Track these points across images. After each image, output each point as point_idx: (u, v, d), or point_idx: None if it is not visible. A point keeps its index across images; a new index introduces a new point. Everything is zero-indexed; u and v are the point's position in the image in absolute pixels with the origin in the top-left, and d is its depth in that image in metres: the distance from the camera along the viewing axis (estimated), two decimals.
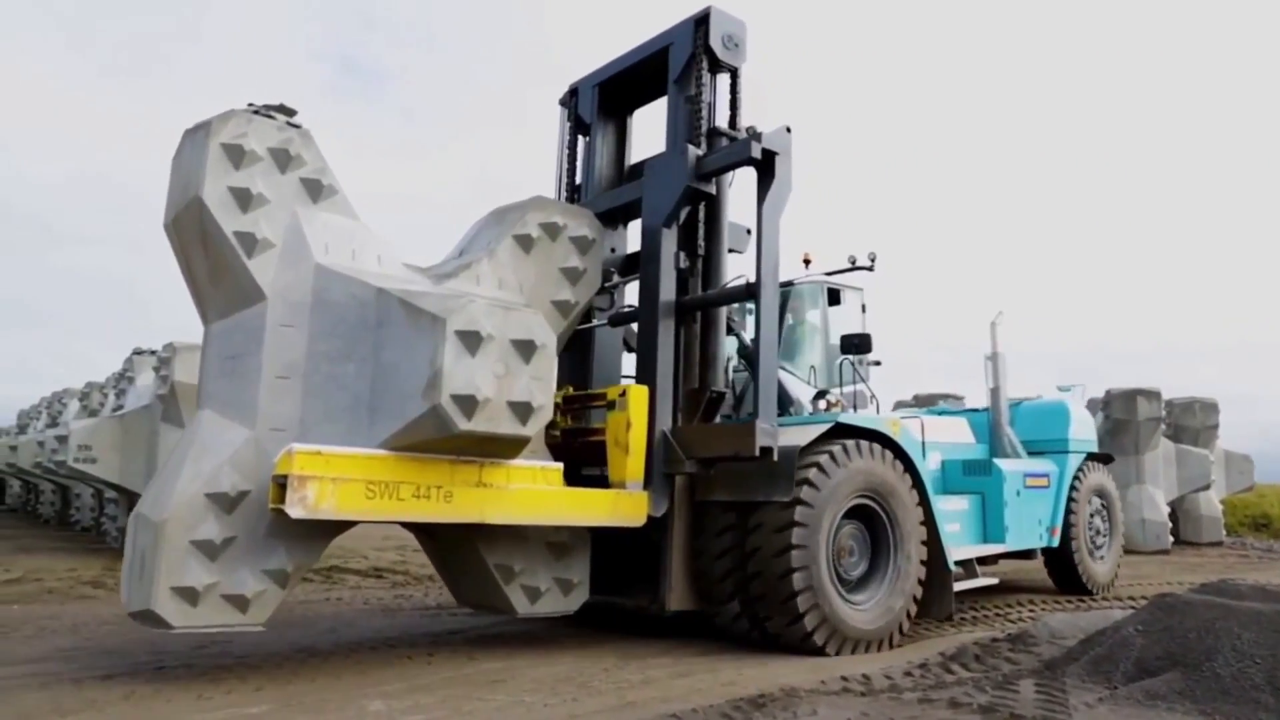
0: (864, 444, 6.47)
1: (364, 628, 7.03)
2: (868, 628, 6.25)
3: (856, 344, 7.44)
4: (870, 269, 8.77)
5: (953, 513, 8.32)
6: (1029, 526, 8.93)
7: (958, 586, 7.27)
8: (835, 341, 8.28)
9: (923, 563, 6.80)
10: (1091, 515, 9.81)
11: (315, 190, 5.46)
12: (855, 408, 8.05)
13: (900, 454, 6.80)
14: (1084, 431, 9.96)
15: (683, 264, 6.51)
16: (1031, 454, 9.75)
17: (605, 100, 7.68)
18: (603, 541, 6.37)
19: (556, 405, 6.55)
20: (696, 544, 6.34)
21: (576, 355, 7.12)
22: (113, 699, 4.57)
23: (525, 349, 5.08)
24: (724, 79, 6.85)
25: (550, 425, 6.57)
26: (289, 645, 6.14)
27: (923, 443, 8.14)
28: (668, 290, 6.38)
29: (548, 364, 5.20)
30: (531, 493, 5.53)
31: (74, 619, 7.22)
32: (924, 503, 6.93)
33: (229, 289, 5.24)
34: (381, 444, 4.98)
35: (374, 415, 5.07)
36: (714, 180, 6.57)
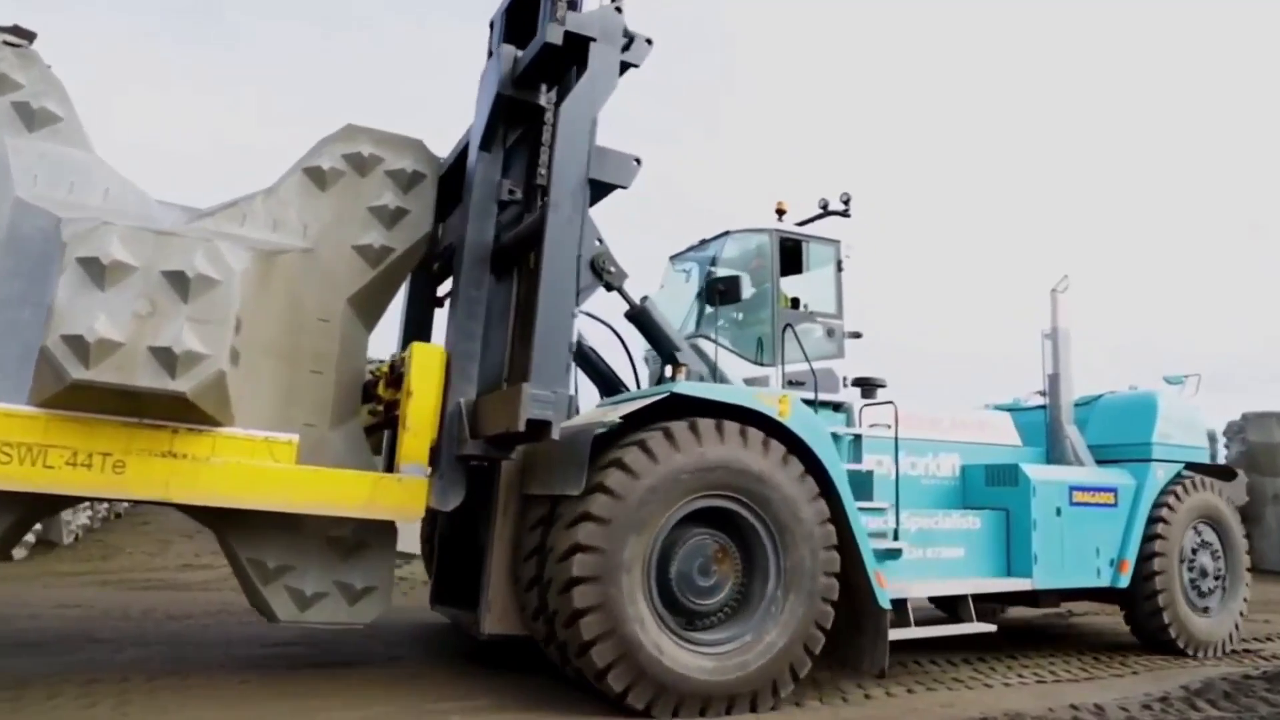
0: (722, 426, 4.81)
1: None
2: (714, 679, 4.58)
3: (722, 290, 5.67)
4: (845, 214, 6.93)
5: (951, 533, 6.28)
6: (1078, 557, 6.60)
7: (903, 635, 5.29)
8: (802, 307, 6.55)
9: (827, 601, 4.97)
10: (1193, 550, 7.16)
11: (29, 117, 4.79)
12: (818, 391, 6.26)
13: (798, 446, 5.02)
14: (1180, 434, 7.32)
15: (505, 195, 5.23)
16: (1104, 462, 7.30)
17: (510, 26, 6.54)
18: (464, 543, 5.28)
19: (376, 373, 5.49)
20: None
21: None
22: None
23: (181, 284, 4.07)
24: None
25: (371, 398, 5.53)
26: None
27: (895, 439, 6.18)
28: (478, 229, 5.14)
29: (219, 305, 4.15)
30: (246, 469, 4.48)
31: None
32: (842, 515, 5.09)
33: None
34: (30, 400, 4.16)
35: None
36: (543, 88, 5.23)
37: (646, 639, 4.42)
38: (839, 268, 6.70)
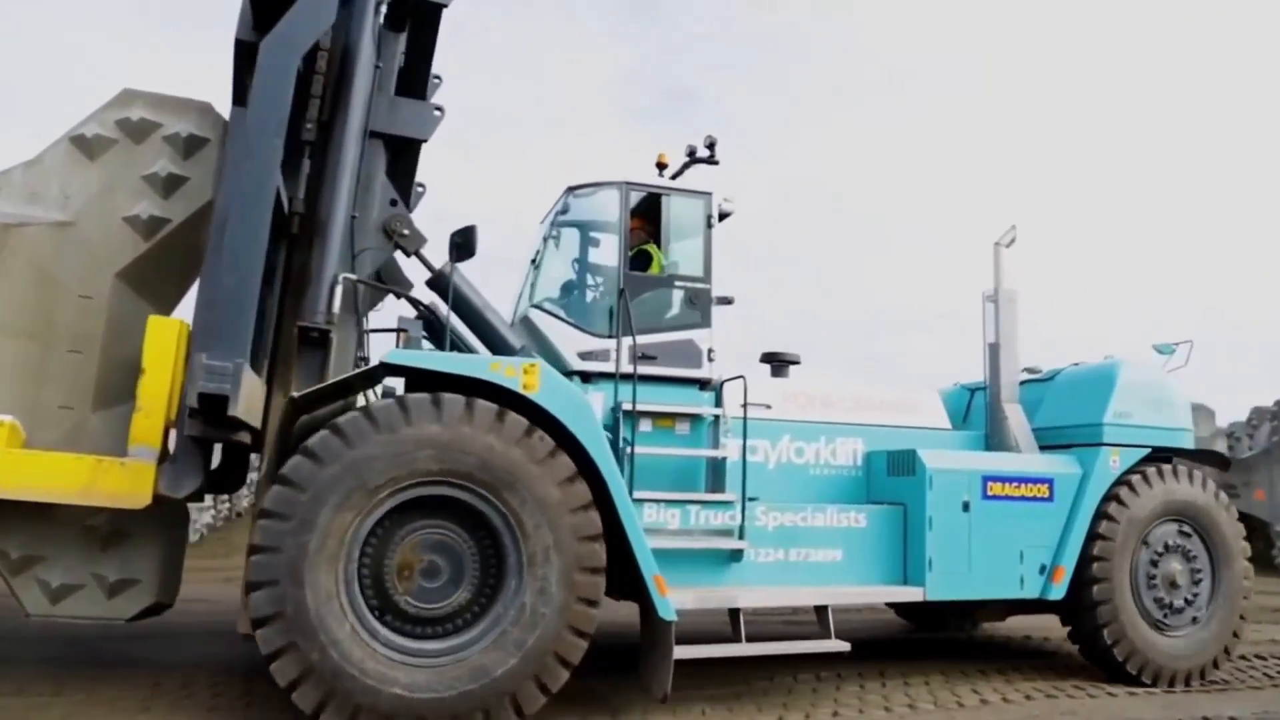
0: (440, 401, 4.12)
1: None
2: (429, 695, 3.93)
3: (458, 244, 4.89)
4: (711, 160, 6.06)
5: (825, 532, 5.36)
6: (993, 563, 5.49)
7: (691, 653, 4.46)
8: (663, 269, 5.76)
9: (586, 601, 4.20)
10: (1156, 555, 5.85)
11: None
12: (715, 365, 5.50)
13: (551, 424, 4.31)
14: (1146, 412, 5.99)
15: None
16: (1051, 448, 6.11)
17: None
18: None
19: None
20: None
21: None
22: None
23: None
24: None
25: None
26: None
27: (744, 419, 5.30)
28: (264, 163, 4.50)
29: None
30: None
31: None
32: (616, 508, 4.33)
33: None
34: None
35: None
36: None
37: (340, 652, 3.82)
38: (709, 224, 5.83)
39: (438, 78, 6.85)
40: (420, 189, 6.73)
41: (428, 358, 4.30)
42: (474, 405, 4.12)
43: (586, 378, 5.41)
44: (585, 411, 4.36)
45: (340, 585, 3.93)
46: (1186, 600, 5.89)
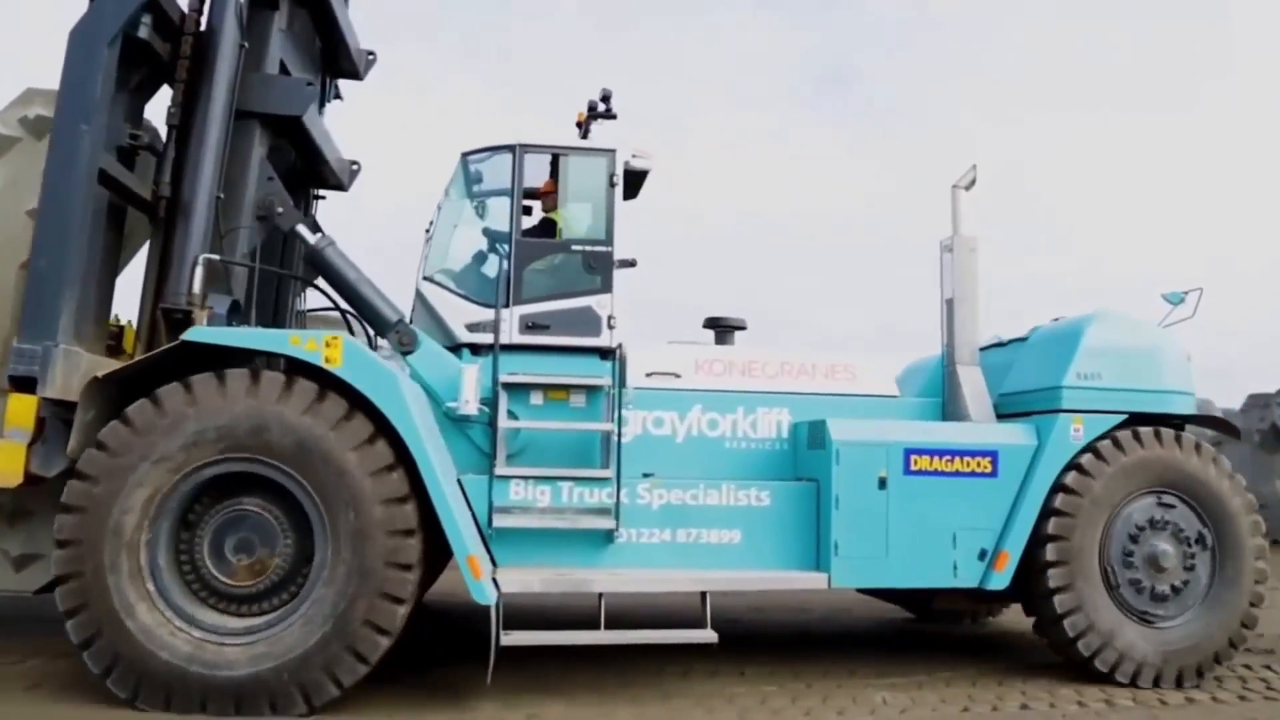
0: (260, 376, 4.05)
1: None
2: (217, 673, 3.89)
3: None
4: (608, 115, 5.66)
5: (721, 511, 4.93)
6: (918, 548, 4.84)
7: (519, 640, 4.15)
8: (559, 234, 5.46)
9: (390, 598, 4.02)
10: (1136, 531, 4.94)
11: None
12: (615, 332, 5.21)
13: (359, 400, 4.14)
14: (1120, 373, 5.06)
15: (126, 140, 4.80)
16: (1012, 416, 5.32)
17: None
18: None
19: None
20: None
21: None
22: None
23: None
24: None
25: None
26: None
27: (616, 387, 4.89)
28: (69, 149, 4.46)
29: None
30: None
31: None
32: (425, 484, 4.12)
33: None
34: None
35: None
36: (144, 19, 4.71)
37: (132, 619, 3.86)
38: (611, 183, 5.44)
39: (371, 54, 6.84)
40: (356, 167, 6.76)
41: (228, 334, 4.24)
42: (260, 378, 4.04)
43: (476, 350, 5.21)
44: (390, 383, 4.15)
45: (140, 553, 3.96)
46: (1176, 586, 4.97)
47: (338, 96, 6.85)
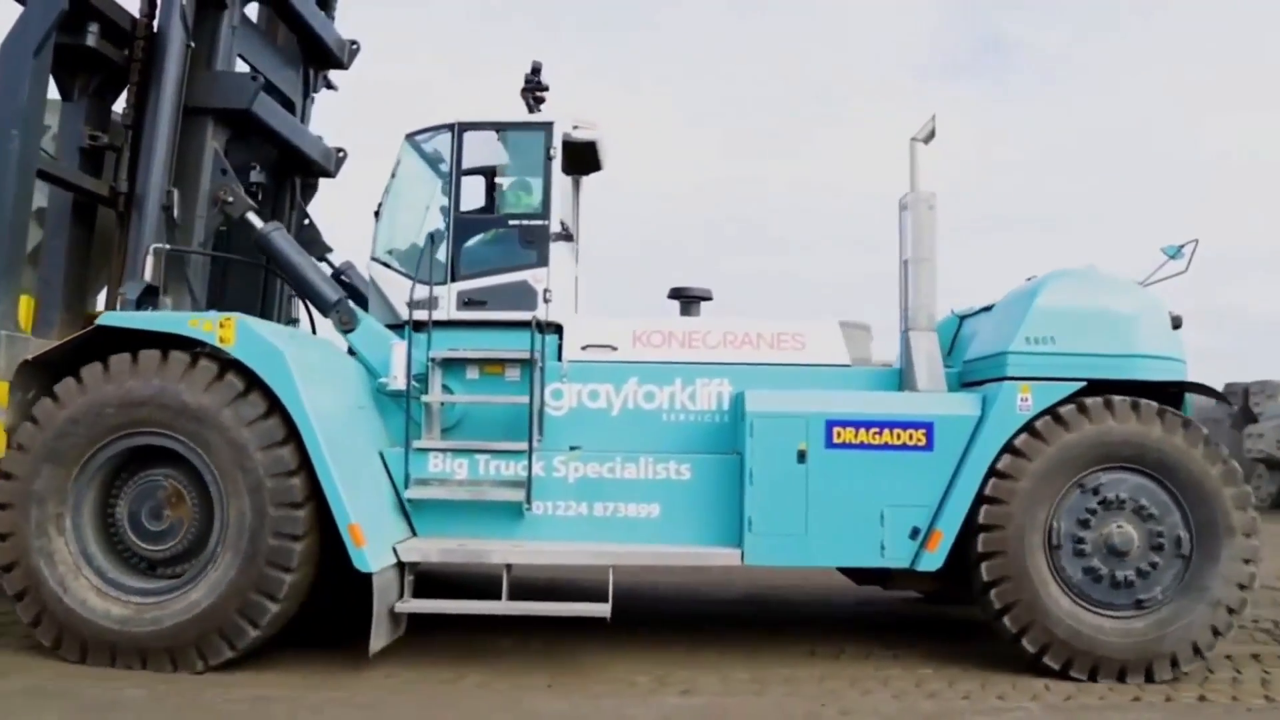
0: (169, 356, 4.33)
1: None
2: (122, 629, 4.27)
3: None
4: (539, 86, 5.57)
5: (641, 485, 4.86)
6: (841, 525, 4.55)
7: (414, 607, 4.22)
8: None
9: (279, 567, 4.24)
10: (1087, 514, 4.41)
11: None
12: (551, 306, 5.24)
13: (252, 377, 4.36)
14: (1076, 336, 4.50)
15: (86, 141, 5.22)
16: (969, 385, 4.88)
17: None
18: None
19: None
20: None
21: None
22: None
23: None
24: None
25: None
26: None
27: (532, 360, 4.86)
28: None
29: None
30: None
31: None
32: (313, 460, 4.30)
33: None
34: None
35: None
36: (91, 27, 5.10)
37: (52, 575, 4.27)
38: (548, 156, 5.37)
39: (354, 43, 7.07)
40: (341, 154, 7.03)
41: (137, 318, 4.55)
42: (169, 357, 4.32)
43: (419, 327, 5.33)
44: (276, 360, 4.32)
45: (64, 516, 4.35)
46: (1141, 570, 4.41)
47: (329, 86, 7.14)
